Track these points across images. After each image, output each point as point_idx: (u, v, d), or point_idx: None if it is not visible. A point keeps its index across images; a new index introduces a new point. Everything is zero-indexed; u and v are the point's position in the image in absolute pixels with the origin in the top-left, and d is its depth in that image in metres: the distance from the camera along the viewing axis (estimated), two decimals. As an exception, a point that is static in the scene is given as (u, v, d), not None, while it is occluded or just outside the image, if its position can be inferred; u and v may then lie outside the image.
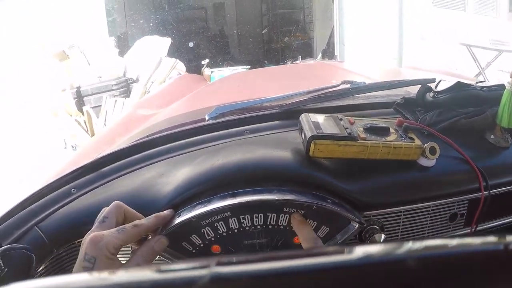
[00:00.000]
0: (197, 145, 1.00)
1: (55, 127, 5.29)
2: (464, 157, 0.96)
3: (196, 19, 11.71)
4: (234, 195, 0.78)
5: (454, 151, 0.97)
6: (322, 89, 1.31)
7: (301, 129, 0.88)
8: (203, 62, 7.79)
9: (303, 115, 0.91)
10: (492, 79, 7.57)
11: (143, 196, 0.84)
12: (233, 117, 1.14)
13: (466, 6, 8.65)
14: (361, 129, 0.90)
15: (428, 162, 0.92)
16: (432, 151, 0.91)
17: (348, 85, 1.34)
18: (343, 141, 0.84)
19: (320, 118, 0.90)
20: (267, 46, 12.56)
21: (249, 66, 7.82)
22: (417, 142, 0.91)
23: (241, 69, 7.57)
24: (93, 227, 0.70)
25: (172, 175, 0.87)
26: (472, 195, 0.96)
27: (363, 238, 0.85)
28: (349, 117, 0.94)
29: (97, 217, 0.72)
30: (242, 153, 0.89)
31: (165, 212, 0.77)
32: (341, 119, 0.92)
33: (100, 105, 5.59)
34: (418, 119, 1.07)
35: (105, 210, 0.72)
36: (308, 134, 0.83)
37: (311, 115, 0.91)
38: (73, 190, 0.90)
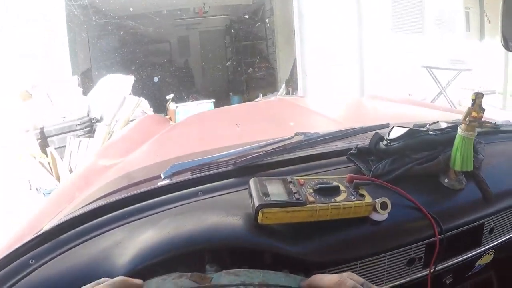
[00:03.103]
0: (152, 209, 0.99)
1: (20, 170, 5.20)
2: (417, 205, 0.99)
3: (160, 53, 11.74)
4: None
5: (408, 200, 1.00)
6: (276, 142, 1.33)
7: (250, 195, 0.89)
8: (168, 97, 7.80)
9: (251, 180, 0.92)
10: (453, 98, 7.78)
11: (99, 267, 0.84)
12: (187, 177, 1.14)
13: (424, 29, 8.88)
14: (311, 190, 0.91)
15: (380, 217, 0.93)
16: (384, 206, 0.92)
17: (302, 137, 1.37)
18: (290, 207, 0.85)
19: (268, 182, 0.91)
20: (231, 78, 12.63)
21: (214, 100, 7.84)
22: (368, 199, 0.92)
23: (206, 103, 7.60)
24: None
25: (127, 245, 0.87)
26: (428, 240, 0.98)
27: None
28: (299, 178, 0.95)
29: None
30: (194, 223, 0.89)
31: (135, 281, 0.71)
32: (290, 181, 0.93)
33: (64, 146, 5.53)
34: (371, 169, 1.09)
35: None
36: (256, 202, 0.84)
37: (260, 179, 0.92)
38: (31, 261, 0.88)
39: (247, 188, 0.93)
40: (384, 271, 0.99)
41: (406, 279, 1.02)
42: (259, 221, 0.85)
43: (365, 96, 5.37)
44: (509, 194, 1.15)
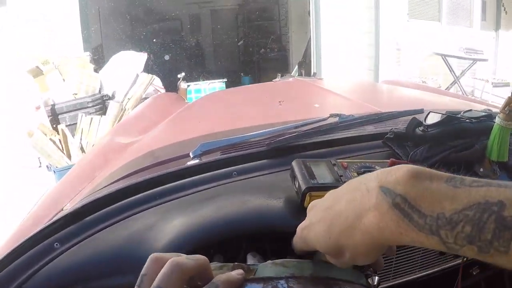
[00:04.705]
0: (184, 190, 0.95)
1: (30, 147, 5.18)
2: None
3: (171, 31, 11.67)
4: None
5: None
6: (311, 122, 1.29)
7: (293, 177, 0.85)
8: (179, 76, 7.76)
9: (295, 161, 0.88)
10: (466, 87, 7.72)
11: (132, 251, 0.79)
12: (219, 157, 1.10)
13: (441, 16, 8.78)
14: (355, 174, 0.88)
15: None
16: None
17: (337, 119, 1.32)
18: None
19: (313, 164, 0.87)
20: (242, 58, 12.58)
21: (225, 79, 7.79)
22: None
23: (217, 82, 7.55)
24: None
25: (161, 228, 0.82)
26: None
27: None
28: (342, 161, 0.91)
29: None
30: (236, 206, 0.85)
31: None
32: (334, 164, 0.89)
33: (76, 123, 5.50)
34: (408, 154, 1.07)
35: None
36: (303, 185, 0.80)
37: (304, 161, 0.88)
38: (56, 245, 0.84)
39: (284, 170, 0.91)
40: (418, 260, 0.99)
41: (438, 268, 1.03)
42: (306, 205, 0.80)
43: (380, 81, 5.31)
44: None
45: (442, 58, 7.97)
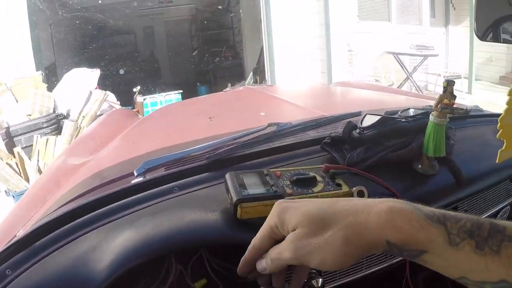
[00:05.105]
0: (127, 209, 0.97)
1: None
2: (393, 192, 0.99)
3: (125, 44, 11.57)
4: None
5: (384, 187, 1.00)
6: (249, 133, 1.33)
7: (227, 190, 0.88)
8: (134, 90, 7.71)
9: (227, 174, 0.90)
10: (419, 83, 7.90)
11: (77, 274, 0.81)
12: (161, 173, 1.13)
13: (391, 16, 8.97)
14: (288, 182, 0.90)
15: (358, 205, 0.93)
16: (361, 194, 0.92)
17: (274, 127, 1.36)
18: (269, 201, 0.83)
19: (245, 176, 0.90)
20: (198, 68, 12.55)
21: (181, 91, 7.77)
22: (345, 188, 0.92)
23: (173, 94, 7.53)
24: None
25: (103, 249, 0.84)
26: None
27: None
28: (276, 170, 0.94)
29: None
30: (171, 222, 0.87)
31: None
32: (267, 174, 0.92)
33: (32, 145, 5.42)
34: (345, 157, 1.09)
35: None
36: (234, 197, 0.83)
37: (236, 173, 0.91)
38: (8, 271, 0.84)
39: (222, 182, 0.92)
40: (363, 258, 0.99)
41: (384, 265, 1.03)
42: (239, 216, 0.84)
43: (332, 83, 5.40)
44: (481, 177, 1.16)
45: (394, 56, 8.15)
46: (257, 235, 0.68)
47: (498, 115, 0.78)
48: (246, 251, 0.69)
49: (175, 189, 1.03)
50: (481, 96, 8.22)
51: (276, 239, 0.65)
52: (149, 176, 1.16)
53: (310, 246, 0.60)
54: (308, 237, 0.60)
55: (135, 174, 1.20)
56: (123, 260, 0.80)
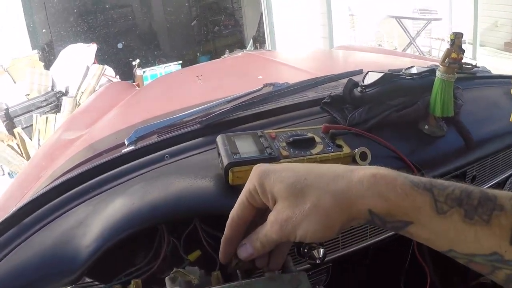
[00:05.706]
0: (115, 180, 0.92)
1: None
2: (398, 154, 0.94)
3: (123, 18, 11.43)
4: None
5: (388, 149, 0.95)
6: (244, 95, 1.26)
7: (218, 154, 0.82)
8: (134, 63, 7.63)
9: (218, 138, 0.85)
10: (423, 48, 7.79)
11: (64, 251, 0.76)
12: (152, 141, 1.07)
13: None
14: (284, 144, 0.85)
15: (360, 167, 0.88)
16: (363, 156, 0.87)
17: (271, 88, 1.29)
18: None
19: (237, 138, 0.85)
20: (198, 38, 12.43)
21: (181, 62, 7.70)
22: (346, 149, 0.87)
23: (173, 65, 7.46)
24: None
25: (89, 223, 0.79)
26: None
27: (301, 253, 0.81)
28: (271, 131, 0.89)
29: None
30: (159, 191, 0.82)
31: None
32: (261, 136, 0.86)
33: (32, 125, 5.39)
34: (347, 117, 1.04)
35: None
36: (225, 161, 0.78)
37: (228, 135, 0.85)
38: None
39: (214, 148, 0.87)
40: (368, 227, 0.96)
41: (390, 233, 0.99)
42: (230, 182, 0.78)
43: (334, 47, 5.31)
44: (490, 140, 1.11)
45: (397, 20, 8.01)
46: (235, 205, 0.62)
47: (508, 76, 0.72)
48: (225, 228, 0.62)
49: (166, 157, 0.99)
50: (485, 63, 8.05)
51: (257, 207, 0.60)
52: (140, 144, 1.11)
53: (292, 221, 0.55)
54: (289, 211, 0.55)
55: (126, 143, 1.15)
56: (110, 233, 0.75)
